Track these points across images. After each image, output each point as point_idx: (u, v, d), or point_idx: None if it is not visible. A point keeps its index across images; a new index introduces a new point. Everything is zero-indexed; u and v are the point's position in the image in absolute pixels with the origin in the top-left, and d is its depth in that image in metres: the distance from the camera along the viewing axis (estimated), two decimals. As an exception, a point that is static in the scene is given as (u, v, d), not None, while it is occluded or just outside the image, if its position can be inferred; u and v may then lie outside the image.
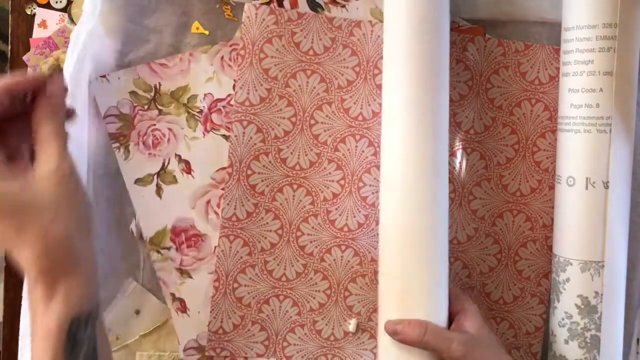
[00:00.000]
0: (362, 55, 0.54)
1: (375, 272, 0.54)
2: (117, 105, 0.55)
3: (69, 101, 0.45)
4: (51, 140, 0.41)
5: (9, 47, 0.56)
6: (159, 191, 0.56)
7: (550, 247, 0.55)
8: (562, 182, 0.52)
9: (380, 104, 0.55)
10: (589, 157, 0.50)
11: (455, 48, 0.55)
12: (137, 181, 0.56)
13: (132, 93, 0.55)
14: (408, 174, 0.48)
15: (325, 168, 0.55)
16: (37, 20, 0.56)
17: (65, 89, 0.44)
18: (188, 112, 0.56)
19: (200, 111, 0.55)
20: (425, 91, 0.48)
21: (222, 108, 0.55)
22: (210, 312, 0.56)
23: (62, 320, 0.39)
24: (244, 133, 0.55)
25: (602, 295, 0.50)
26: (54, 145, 0.41)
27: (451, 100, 0.55)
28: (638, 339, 0.57)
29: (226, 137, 0.55)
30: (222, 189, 0.55)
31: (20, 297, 0.57)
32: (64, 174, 0.40)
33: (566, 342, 0.51)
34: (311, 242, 0.56)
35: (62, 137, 0.42)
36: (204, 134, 0.56)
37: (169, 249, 0.56)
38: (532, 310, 0.57)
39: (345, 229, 0.56)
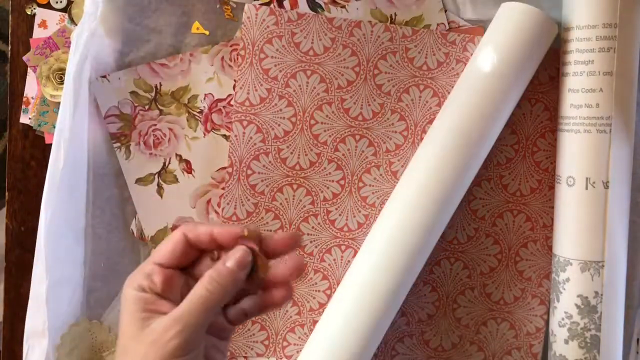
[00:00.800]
0: (362, 56, 0.54)
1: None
2: (117, 106, 0.55)
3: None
4: (188, 300, 0.36)
5: (9, 47, 0.57)
6: (159, 191, 0.56)
7: (550, 248, 0.55)
8: (562, 182, 0.52)
9: (380, 104, 0.55)
10: (588, 157, 0.50)
11: (456, 48, 0.55)
12: (138, 181, 0.56)
13: (133, 93, 0.55)
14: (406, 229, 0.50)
15: (325, 168, 0.55)
16: (37, 21, 0.56)
17: (246, 265, 0.38)
18: (188, 112, 0.56)
19: (201, 111, 0.55)
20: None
21: (222, 108, 0.55)
22: (211, 311, 0.56)
23: None
24: (244, 133, 0.55)
25: (602, 295, 0.50)
26: (184, 307, 0.36)
27: (451, 101, 0.55)
28: (638, 339, 0.57)
29: (226, 137, 0.55)
30: (222, 188, 0.55)
31: (20, 297, 0.57)
32: (164, 342, 0.35)
33: (566, 342, 0.51)
34: (311, 242, 0.56)
35: (200, 308, 0.36)
36: (204, 134, 0.56)
37: (169, 248, 0.56)
38: (533, 311, 0.57)
39: (345, 228, 0.56)
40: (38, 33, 0.56)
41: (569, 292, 0.51)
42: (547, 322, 0.57)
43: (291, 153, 0.55)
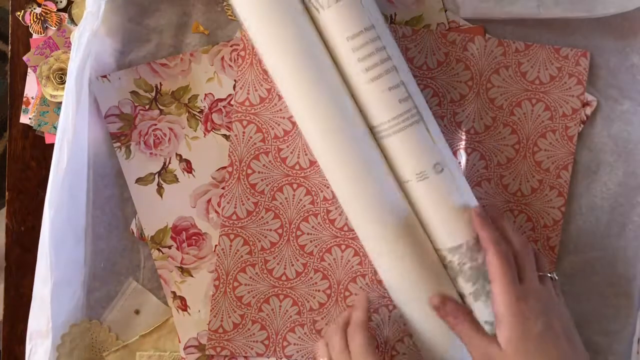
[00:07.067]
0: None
1: (376, 272, 0.54)
2: (118, 105, 0.55)
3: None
4: None
5: (9, 47, 0.57)
6: (160, 190, 0.56)
7: (553, 248, 0.56)
8: (416, 180, 0.49)
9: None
10: (419, 147, 0.49)
11: (456, 48, 0.55)
12: (139, 180, 0.56)
13: (133, 93, 0.55)
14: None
15: (325, 167, 0.55)
16: (37, 20, 0.56)
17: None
18: (189, 112, 0.56)
19: (201, 111, 0.56)
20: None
21: (222, 108, 0.55)
22: (211, 311, 0.56)
23: None
24: (244, 132, 0.55)
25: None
26: None
27: (452, 100, 0.55)
28: (639, 339, 0.57)
29: (226, 137, 0.55)
30: (223, 188, 0.55)
31: (21, 297, 0.57)
32: None
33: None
34: (311, 241, 0.56)
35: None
36: (204, 134, 0.56)
37: (169, 247, 0.56)
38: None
39: (345, 228, 0.56)
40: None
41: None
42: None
43: (291, 152, 0.55)
